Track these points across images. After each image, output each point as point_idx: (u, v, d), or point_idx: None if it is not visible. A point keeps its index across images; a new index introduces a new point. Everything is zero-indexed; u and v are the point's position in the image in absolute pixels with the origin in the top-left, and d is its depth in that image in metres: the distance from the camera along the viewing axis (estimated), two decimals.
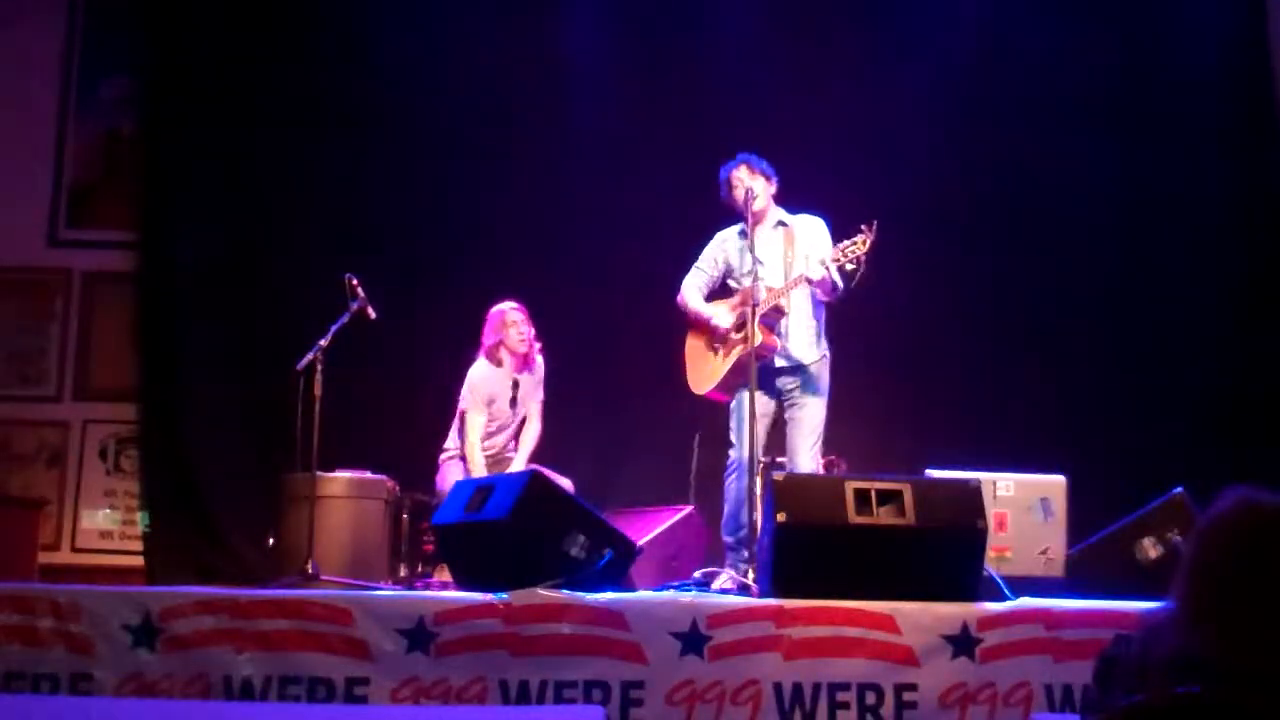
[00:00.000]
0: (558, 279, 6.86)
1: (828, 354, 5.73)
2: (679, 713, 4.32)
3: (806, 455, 5.58)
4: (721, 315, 5.76)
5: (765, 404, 5.58)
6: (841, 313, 5.79)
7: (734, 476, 5.64)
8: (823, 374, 5.69)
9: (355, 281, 5.92)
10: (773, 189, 5.77)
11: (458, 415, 6.28)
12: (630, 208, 6.96)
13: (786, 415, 5.65)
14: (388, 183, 7.19)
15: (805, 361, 5.65)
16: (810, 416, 5.62)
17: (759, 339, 5.38)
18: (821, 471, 5.82)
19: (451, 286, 6.93)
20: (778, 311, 5.56)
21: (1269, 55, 7.16)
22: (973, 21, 7.19)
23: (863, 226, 5.33)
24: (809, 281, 5.46)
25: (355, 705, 4.32)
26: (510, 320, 6.22)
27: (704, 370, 5.82)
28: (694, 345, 5.92)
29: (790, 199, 5.91)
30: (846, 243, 5.38)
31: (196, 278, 7.10)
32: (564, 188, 7.15)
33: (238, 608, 4.48)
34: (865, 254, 5.30)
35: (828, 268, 5.38)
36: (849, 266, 5.35)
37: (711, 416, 5.97)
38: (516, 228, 7.14)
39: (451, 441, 6.31)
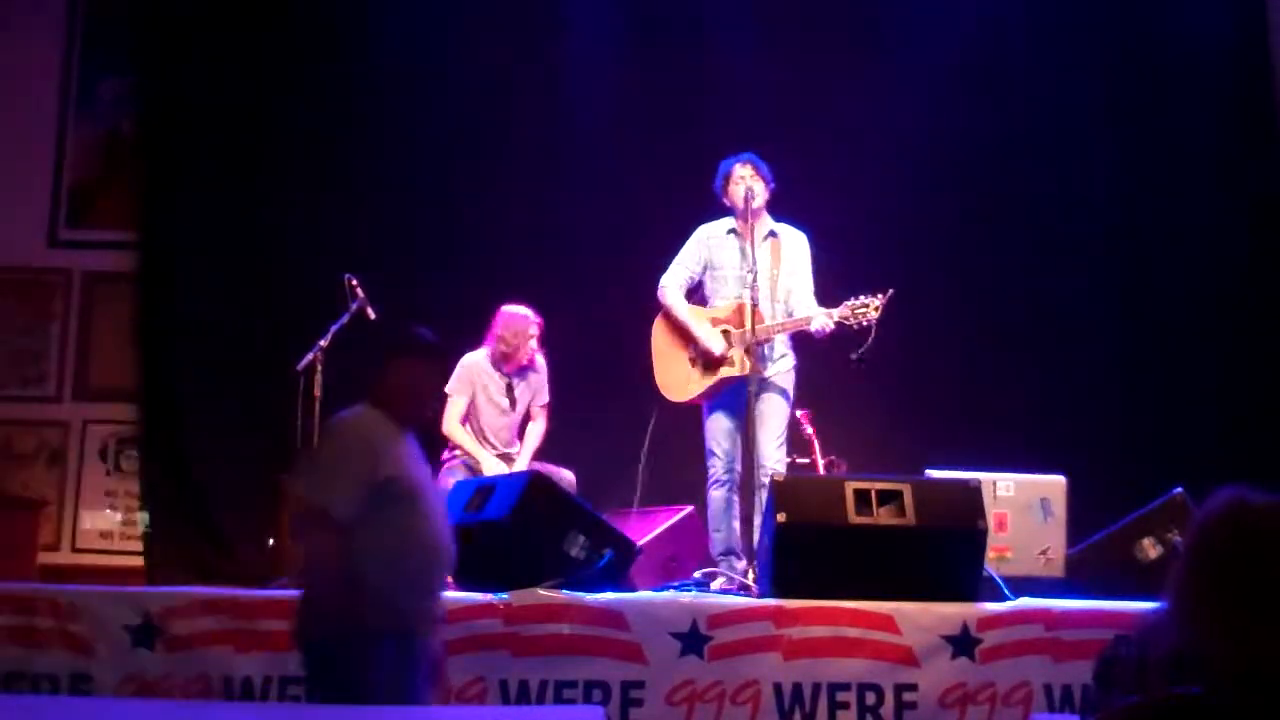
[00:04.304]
0: (558, 278, 6.85)
1: (795, 363, 5.70)
2: (679, 713, 4.33)
3: (773, 449, 5.52)
4: (713, 339, 5.61)
5: (741, 419, 5.51)
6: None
7: (719, 489, 5.61)
8: (790, 381, 5.67)
9: (355, 281, 5.92)
10: (768, 194, 5.73)
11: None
12: (632, 206, 6.96)
13: (755, 414, 5.56)
14: (388, 183, 7.18)
15: (777, 372, 5.64)
16: (775, 413, 5.57)
17: (747, 367, 5.37)
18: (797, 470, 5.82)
19: (451, 286, 6.92)
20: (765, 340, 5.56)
21: (1269, 55, 7.17)
22: (972, 23, 7.19)
23: (878, 293, 5.28)
24: (814, 333, 5.43)
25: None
26: (531, 333, 6.21)
27: (677, 377, 5.73)
28: (666, 345, 5.81)
29: (791, 199, 5.91)
30: (857, 303, 5.31)
31: (196, 278, 7.10)
32: (565, 187, 7.15)
33: (238, 608, 4.49)
34: (876, 320, 5.24)
35: (834, 323, 5.36)
36: (855, 327, 5.31)
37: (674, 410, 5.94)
38: (517, 227, 7.13)
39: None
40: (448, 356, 3.87)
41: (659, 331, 5.86)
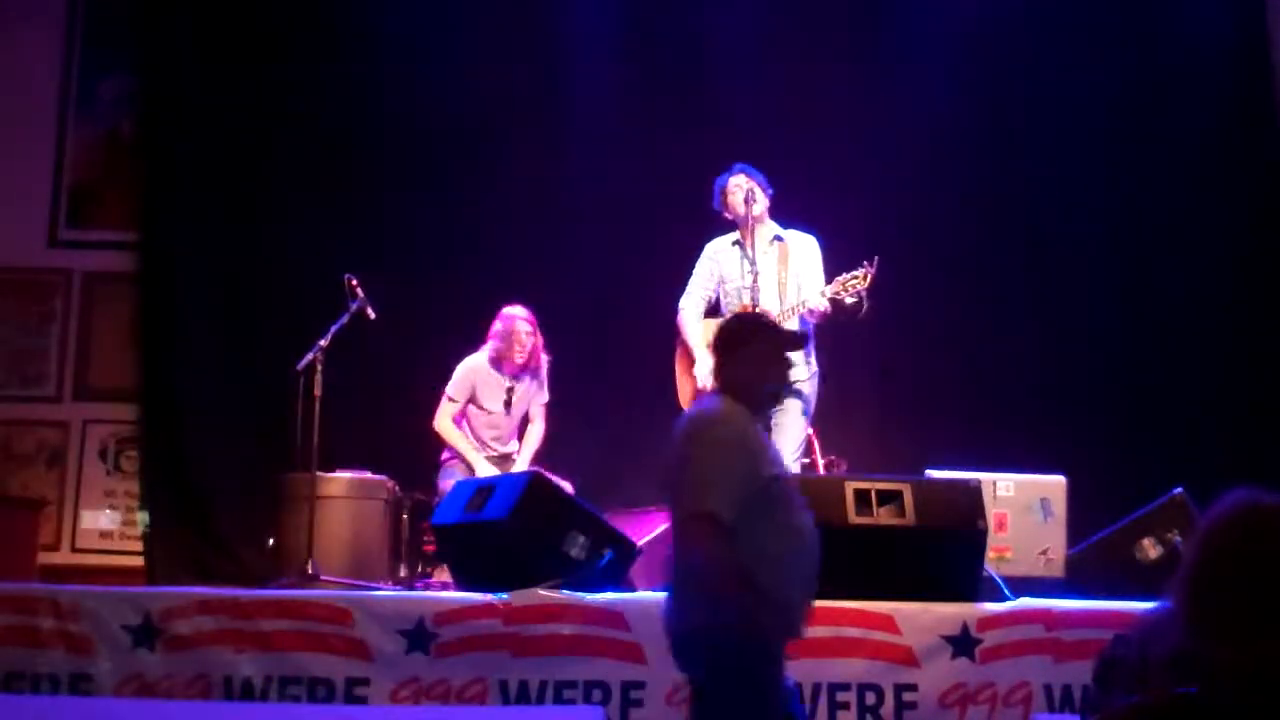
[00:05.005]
0: (559, 279, 6.85)
1: (817, 370, 5.73)
2: (679, 713, 4.31)
3: (789, 460, 5.56)
4: (701, 370, 5.68)
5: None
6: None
7: None
8: (811, 389, 5.70)
9: (355, 281, 5.93)
10: (767, 201, 5.78)
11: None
12: (633, 207, 6.96)
13: (772, 423, 5.61)
14: (388, 182, 7.18)
15: (798, 379, 5.64)
16: (793, 424, 5.61)
17: None
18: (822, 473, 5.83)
19: (451, 286, 6.93)
20: None
21: (1269, 55, 7.17)
22: (973, 22, 7.18)
23: (864, 262, 5.38)
24: (810, 312, 5.50)
25: (355, 705, 4.33)
26: (517, 335, 6.18)
27: (695, 390, 5.78)
28: (685, 366, 5.91)
29: (792, 203, 5.91)
30: (847, 276, 5.43)
31: (196, 278, 7.10)
32: (566, 188, 7.14)
33: (238, 608, 4.48)
34: (866, 289, 5.36)
35: (827, 299, 5.42)
36: (849, 300, 5.41)
37: None
38: (517, 227, 7.13)
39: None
40: (789, 340, 3.81)
41: (680, 353, 5.96)
